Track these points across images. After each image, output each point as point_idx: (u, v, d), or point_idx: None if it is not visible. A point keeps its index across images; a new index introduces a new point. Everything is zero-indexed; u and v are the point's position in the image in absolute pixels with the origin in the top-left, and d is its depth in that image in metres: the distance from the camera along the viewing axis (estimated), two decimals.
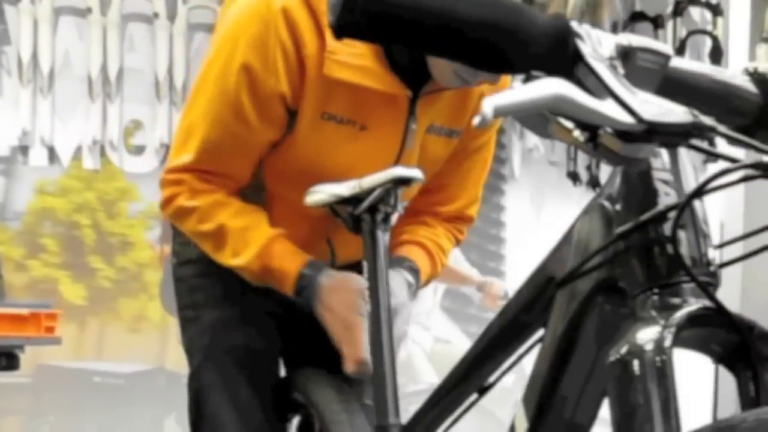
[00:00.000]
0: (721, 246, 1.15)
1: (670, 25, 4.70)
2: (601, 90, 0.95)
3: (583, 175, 4.68)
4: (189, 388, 2.13)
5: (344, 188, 1.88)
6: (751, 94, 1.14)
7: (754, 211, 4.96)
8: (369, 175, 1.86)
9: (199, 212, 1.93)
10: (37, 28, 4.05)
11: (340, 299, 1.90)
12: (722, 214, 4.63)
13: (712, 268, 1.07)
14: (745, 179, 1.01)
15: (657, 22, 4.68)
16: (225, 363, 2.07)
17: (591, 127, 0.96)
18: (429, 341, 4.27)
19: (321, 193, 1.91)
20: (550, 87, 0.93)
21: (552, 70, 0.97)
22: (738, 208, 4.85)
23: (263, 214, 1.96)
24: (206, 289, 2.13)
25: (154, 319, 4.13)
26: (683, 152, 1.09)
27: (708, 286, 1.05)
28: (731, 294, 4.31)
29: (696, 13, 4.73)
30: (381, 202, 1.87)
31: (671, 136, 0.95)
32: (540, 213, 4.76)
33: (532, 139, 4.65)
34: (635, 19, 4.65)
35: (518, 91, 0.94)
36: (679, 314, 1.03)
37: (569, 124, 0.97)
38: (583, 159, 4.70)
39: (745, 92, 1.14)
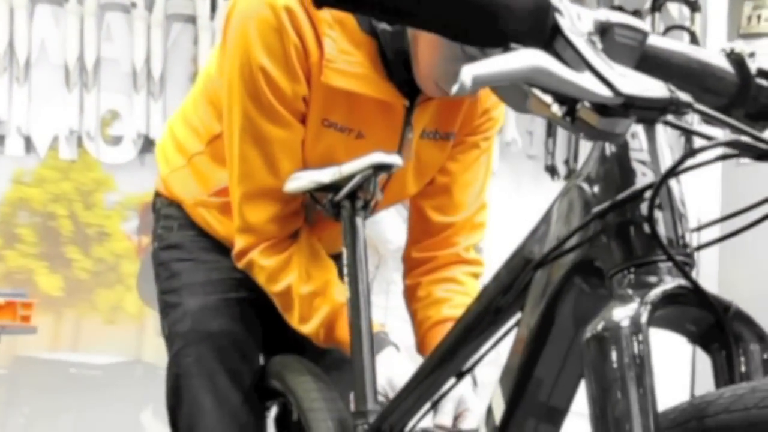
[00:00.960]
0: (698, 229, 1.15)
1: (648, 20, 4.70)
2: (579, 63, 0.95)
3: (561, 169, 4.69)
4: (168, 373, 2.13)
5: (324, 175, 1.89)
6: (727, 73, 1.15)
7: (731, 204, 4.98)
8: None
9: (268, 272, 1.96)
10: (13, 17, 4.02)
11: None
12: (699, 207, 4.64)
13: (688, 249, 1.08)
14: (722, 158, 1.02)
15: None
16: (204, 349, 2.07)
17: (569, 101, 0.96)
18: (407, 334, 4.24)
19: (302, 180, 1.92)
20: (528, 58, 0.93)
21: (531, 44, 0.98)
22: (715, 202, 4.88)
23: (330, 275, 1.98)
24: (187, 275, 2.14)
25: (131, 310, 4.11)
26: (660, 133, 1.09)
27: (684, 266, 1.06)
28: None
29: (674, 8, 4.74)
30: (360, 189, 1.88)
31: (648, 110, 0.95)
32: (518, 206, 4.76)
33: (510, 132, 4.65)
34: None
35: (496, 61, 0.93)
36: (655, 292, 1.03)
37: (547, 99, 0.97)
38: (561, 153, 4.70)
39: (722, 72, 1.15)
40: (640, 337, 1.00)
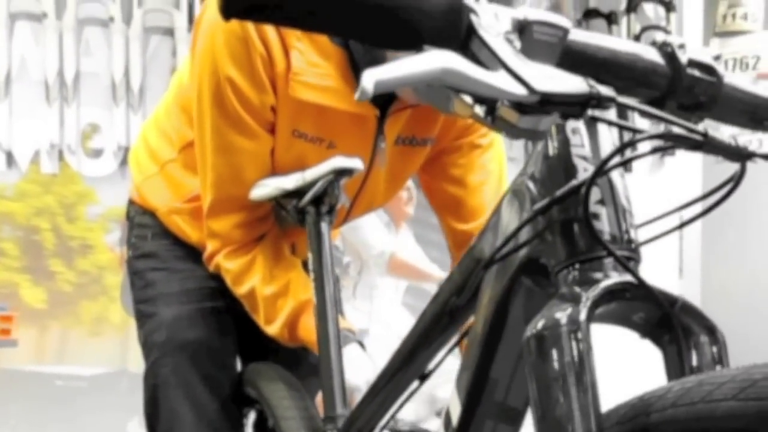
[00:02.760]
0: (655, 220, 1.14)
1: (624, 21, 4.72)
2: (495, 63, 0.94)
3: None
4: (145, 384, 2.13)
5: (289, 181, 1.89)
6: (658, 66, 1.13)
7: (713, 228, 5.00)
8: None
9: (233, 275, 1.96)
10: None
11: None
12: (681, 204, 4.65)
13: (632, 244, 1.06)
14: (655, 151, 1.01)
15: (611, 19, 4.70)
16: (181, 359, 2.07)
17: (488, 100, 0.96)
18: (391, 338, 4.27)
19: (267, 187, 1.92)
20: (436, 60, 0.92)
21: (446, 45, 0.96)
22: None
23: (293, 273, 1.96)
24: (162, 285, 2.14)
25: (115, 321, 4.12)
26: (603, 128, 1.09)
27: (628, 261, 1.04)
28: (693, 295, 4.35)
29: (650, 9, 4.75)
30: (324, 194, 1.88)
31: (567, 106, 0.94)
32: None
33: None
34: (589, 16, 4.68)
35: (402, 64, 0.92)
36: (597, 288, 1.02)
37: (468, 99, 0.97)
38: None
39: (653, 64, 1.13)
40: (580, 335, 0.99)
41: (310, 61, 1.78)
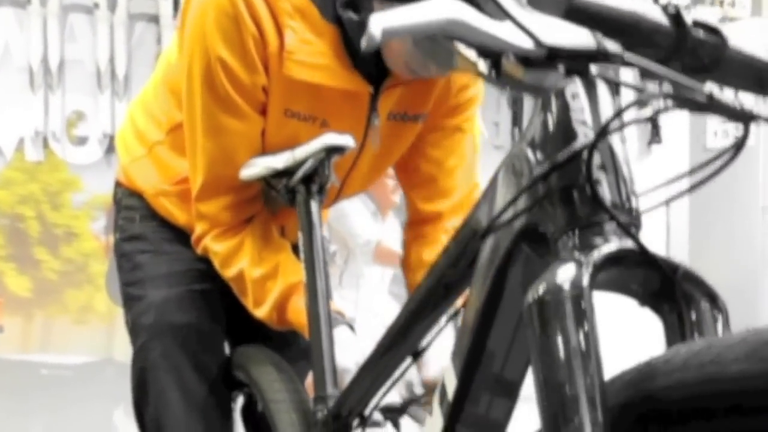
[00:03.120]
0: (648, 192, 1.12)
1: None
2: (500, 14, 0.92)
3: None
4: (133, 368, 2.11)
5: (278, 160, 1.87)
6: (663, 26, 1.10)
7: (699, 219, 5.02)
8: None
9: (221, 257, 1.94)
10: None
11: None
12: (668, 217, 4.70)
13: (633, 212, 1.03)
14: (659, 112, 0.99)
15: None
16: (169, 342, 2.05)
17: (493, 54, 0.94)
18: (378, 327, 4.23)
19: (256, 167, 1.89)
20: (443, 9, 0.90)
21: None
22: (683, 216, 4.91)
23: (282, 255, 1.94)
24: (150, 267, 2.12)
25: (101, 310, 4.10)
26: (603, 93, 1.06)
27: (629, 227, 1.02)
28: None
29: None
30: (315, 173, 1.86)
31: (574, 60, 0.93)
32: None
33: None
34: None
35: (409, 11, 0.90)
36: (598, 253, 0.99)
37: (472, 54, 0.94)
38: None
39: (657, 24, 1.10)
40: (582, 300, 0.96)
41: (303, 39, 1.76)
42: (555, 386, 0.95)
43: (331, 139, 1.80)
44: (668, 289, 1.03)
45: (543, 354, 0.97)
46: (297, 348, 2.09)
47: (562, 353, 0.95)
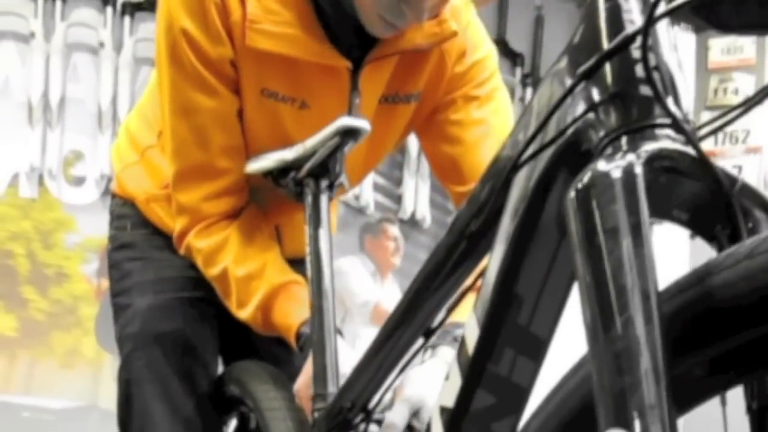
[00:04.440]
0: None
1: None
2: None
3: None
4: (118, 380, 2.00)
5: (288, 153, 1.79)
6: None
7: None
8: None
9: (204, 255, 1.86)
10: None
11: None
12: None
13: (689, 121, 0.94)
14: None
15: None
16: (155, 352, 1.94)
17: None
18: None
19: (264, 160, 1.82)
20: None
21: None
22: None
23: (269, 254, 1.86)
24: (138, 274, 2.02)
25: (88, 354, 4.01)
26: None
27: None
28: None
29: None
30: (326, 167, 1.77)
31: None
32: None
33: None
34: None
35: None
36: (653, 146, 0.89)
37: None
38: None
39: None
40: (636, 187, 0.86)
41: (266, 8, 1.70)
42: (601, 280, 0.84)
43: (345, 121, 1.71)
44: (722, 203, 0.93)
45: (587, 246, 0.87)
46: (290, 367, 1.98)
47: (610, 243, 0.85)
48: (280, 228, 1.99)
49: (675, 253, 4.70)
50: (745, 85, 4.85)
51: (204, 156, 1.80)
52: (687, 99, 0.97)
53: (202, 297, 1.98)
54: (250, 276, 1.82)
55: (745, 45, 4.80)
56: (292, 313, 1.80)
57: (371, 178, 4.61)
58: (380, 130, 1.86)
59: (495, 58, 1.95)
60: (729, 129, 4.77)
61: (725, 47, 4.79)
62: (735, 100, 4.77)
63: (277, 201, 1.93)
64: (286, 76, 1.76)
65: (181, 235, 1.88)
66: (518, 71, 4.92)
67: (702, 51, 4.95)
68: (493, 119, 1.92)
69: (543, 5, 4.98)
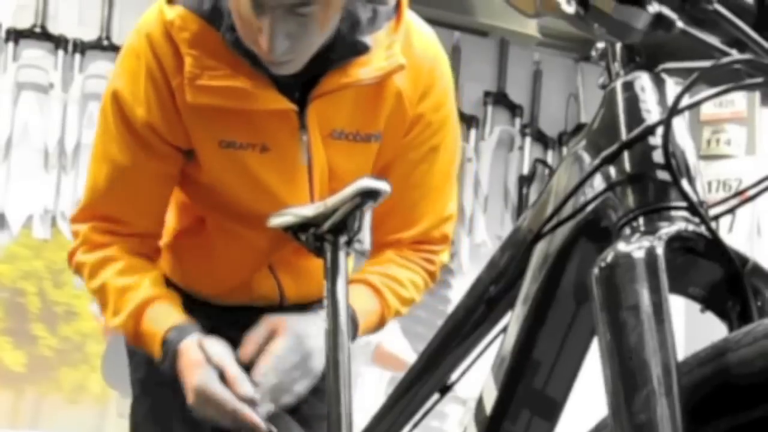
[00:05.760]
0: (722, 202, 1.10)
1: None
2: None
3: None
4: (129, 423, 2.07)
5: (310, 209, 1.81)
6: (747, 4, 1.08)
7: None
8: (293, 193, 1.84)
9: (88, 268, 1.88)
10: None
11: (194, 371, 1.78)
12: None
13: (703, 203, 1.02)
14: (737, 88, 0.98)
15: None
16: (159, 396, 1.99)
17: None
18: None
19: (286, 216, 1.83)
20: None
21: None
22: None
23: (151, 274, 1.88)
24: None
25: (95, 391, 4.05)
26: (669, 87, 1.07)
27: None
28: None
29: None
30: (348, 219, 1.78)
31: None
32: None
33: (480, 234, 4.72)
34: None
35: None
36: (671, 228, 0.97)
37: None
38: None
39: (741, 1, 1.08)
40: (657, 267, 0.93)
41: (203, 65, 1.74)
42: (624, 354, 0.91)
43: (365, 183, 1.73)
44: (733, 282, 1.01)
45: (612, 322, 0.93)
46: (300, 415, 1.95)
47: (633, 319, 0.92)
48: (276, 271, 2.02)
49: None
50: (737, 136, 4.93)
51: (107, 205, 1.86)
52: (700, 182, 1.05)
53: None
54: (127, 287, 1.84)
55: (736, 99, 4.87)
56: (160, 322, 1.81)
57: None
58: (344, 167, 1.88)
59: (451, 99, 1.95)
60: (722, 177, 4.84)
61: (717, 101, 4.87)
62: (727, 150, 4.90)
63: (273, 245, 1.95)
64: (239, 123, 1.79)
65: (71, 255, 1.92)
66: (517, 121, 5.02)
67: None
68: (433, 181, 1.95)
69: (541, 60, 5.09)
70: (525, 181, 4.97)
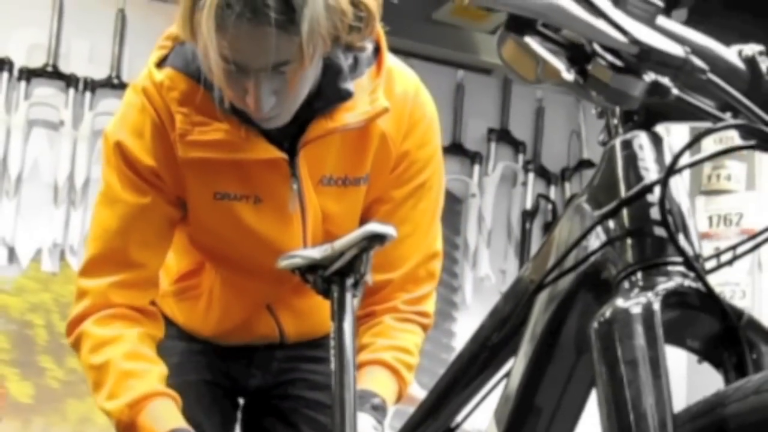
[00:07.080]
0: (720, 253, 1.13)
1: None
2: (595, 13, 0.96)
3: None
4: None
5: (317, 252, 1.84)
6: (739, 69, 1.13)
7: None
8: (288, 240, 1.88)
9: (94, 341, 1.86)
10: (10, 136, 4.16)
11: None
12: None
13: (699, 257, 1.06)
14: (730, 150, 1.02)
15: None
16: None
17: (580, 60, 0.98)
18: None
19: (294, 258, 1.86)
20: None
21: None
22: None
23: (158, 368, 1.87)
24: None
25: (101, 423, 4.01)
26: (666, 146, 1.11)
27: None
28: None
29: None
30: (355, 262, 1.80)
31: (663, 66, 0.96)
32: None
33: (484, 268, 4.74)
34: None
35: None
36: (667, 284, 1.00)
37: (559, 64, 0.99)
38: None
39: (734, 66, 1.13)
40: (654, 323, 0.96)
41: (193, 121, 1.79)
42: (622, 407, 0.95)
43: (372, 227, 1.76)
44: (729, 335, 1.04)
45: (610, 375, 0.97)
46: None
47: (630, 373, 0.95)
48: (275, 311, 2.06)
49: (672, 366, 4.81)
50: (738, 172, 4.95)
51: (121, 245, 1.87)
52: (696, 237, 1.09)
53: (210, 379, 2.09)
54: (132, 373, 1.83)
55: (736, 136, 4.92)
56: (161, 421, 1.80)
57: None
58: (336, 211, 1.93)
59: (436, 137, 1.98)
60: (723, 212, 4.87)
61: (717, 137, 4.91)
62: (728, 185, 4.92)
63: (271, 288, 2.00)
64: (233, 176, 1.84)
65: (79, 319, 1.89)
66: (520, 158, 5.05)
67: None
68: (421, 220, 1.99)
69: (543, 97, 5.12)
70: (528, 216, 5.01)
